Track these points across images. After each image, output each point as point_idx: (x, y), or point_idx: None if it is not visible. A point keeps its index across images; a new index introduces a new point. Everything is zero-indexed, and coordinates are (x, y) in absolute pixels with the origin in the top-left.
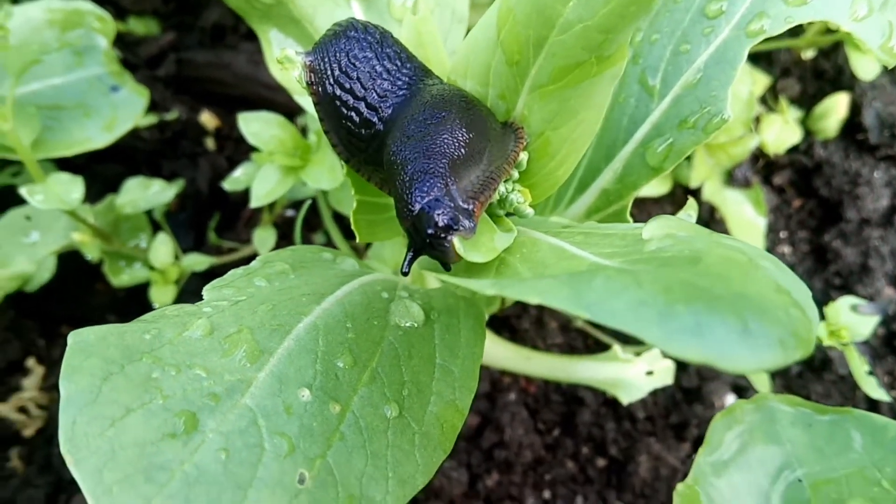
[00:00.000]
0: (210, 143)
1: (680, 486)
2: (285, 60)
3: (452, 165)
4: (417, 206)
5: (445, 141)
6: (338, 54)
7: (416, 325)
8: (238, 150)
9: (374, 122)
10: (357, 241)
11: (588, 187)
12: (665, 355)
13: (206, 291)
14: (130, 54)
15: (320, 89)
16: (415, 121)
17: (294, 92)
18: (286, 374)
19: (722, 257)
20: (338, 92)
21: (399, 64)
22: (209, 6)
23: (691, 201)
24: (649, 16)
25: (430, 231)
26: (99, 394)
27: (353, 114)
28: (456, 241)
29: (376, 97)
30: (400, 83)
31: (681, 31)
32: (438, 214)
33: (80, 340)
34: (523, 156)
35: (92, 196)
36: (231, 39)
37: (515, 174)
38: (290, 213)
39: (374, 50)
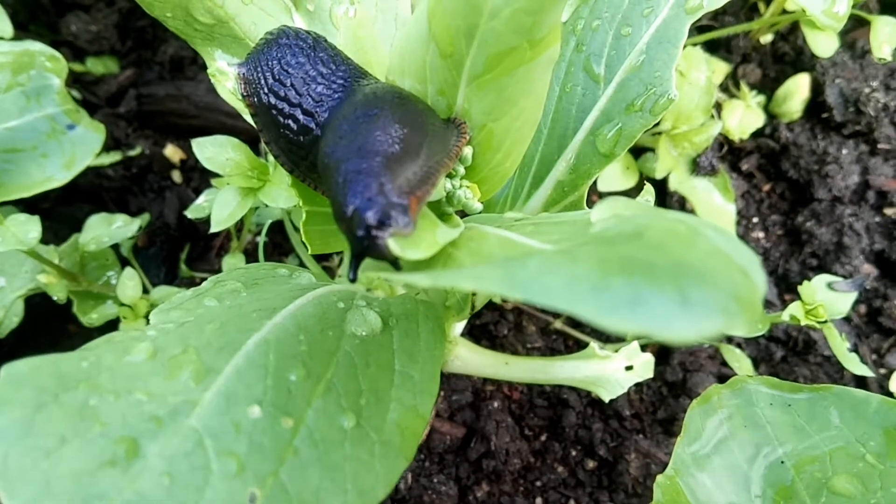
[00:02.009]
0: (177, 176)
1: (660, 478)
2: (218, 73)
3: (387, 163)
4: (351, 208)
5: (378, 138)
6: (270, 62)
7: (373, 332)
8: (204, 180)
9: (312, 127)
10: (309, 252)
11: (543, 180)
12: (643, 348)
13: (153, 315)
14: (90, 94)
15: (255, 99)
16: (347, 120)
17: (242, 111)
18: (234, 391)
19: (663, 229)
20: (273, 100)
21: (334, 67)
22: (166, 40)
23: (648, 187)
24: (589, 3)
25: (360, 233)
26: (32, 425)
27: (290, 121)
28: (390, 239)
29: (312, 102)
30: (335, 86)
31: (621, 14)
32: (370, 214)
33: (12, 372)
34: (467, 150)
35: (61, 237)
36: (190, 70)
37: (461, 169)
38: (260, 238)
39: (307, 55)
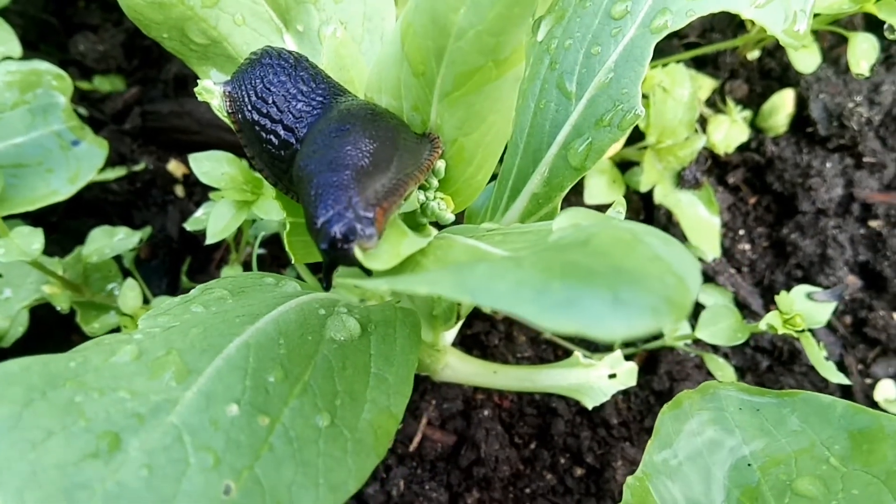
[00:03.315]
0: (179, 191)
1: (630, 479)
2: (204, 91)
3: (356, 175)
4: (321, 220)
5: (349, 153)
6: (253, 81)
7: (352, 337)
8: (206, 195)
9: (293, 142)
10: (293, 262)
11: (520, 193)
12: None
13: (142, 320)
14: (96, 111)
15: (240, 116)
16: (321, 134)
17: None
18: (214, 391)
19: (610, 237)
20: (255, 117)
21: (314, 85)
22: (171, 59)
23: (619, 199)
24: (562, 23)
25: (325, 245)
26: (20, 419)
27: (272, 136)
28: (356, 249)
29: (292, 118)
30: (315, 103)
31: (591, 34)
32: (336, 227)
33: (5, 371)
34: (440, 163)
35: (67, 250)
36: (193, 88)
37: (435, 182)
38: (261, 251)
39: (289, 73)
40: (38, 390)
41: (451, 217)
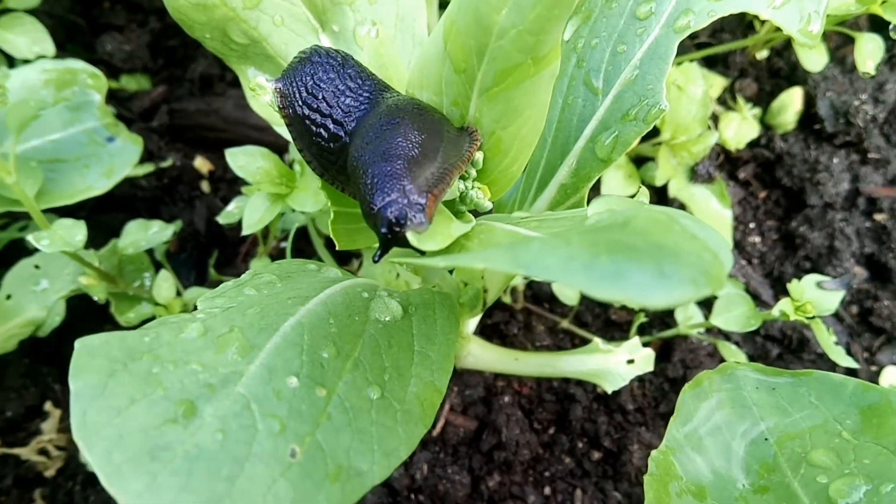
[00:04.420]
0: (205, 186)
1: (654, 453)
2: (257, 87)
3: (408, 165)
4: (376, 207)
5: (400, 144)
6: (304, 78)
7: (394, 318)
8: (232, 190)
9: (341, 135)
10: (337, 248)
11: (548, 184)
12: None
13: (200, 302)
14: (125, 109)
15: (290, 111)
16: (372, 128)
17: (274, 123)
18: (275, 365)
19: (647, 219)
20: (306, 112)
21: (360, 82)
22: (196, 58)
23: (643, 189)
24: (589, 23)
25: (383, 230)
26: (105, 388)
27: (321, 130)
28: (409, 233)
29: (341, 113)
30: (362, 98)
31: (617, 33)
32: (391, 212)
33: (86, 344)
34: (479, 155)
35: (97, 244)
36: (218, 87)
37: (473, 172)
38: (284, 244)
39: (337, 71)
40: (120, 362)
41: (489, 205)
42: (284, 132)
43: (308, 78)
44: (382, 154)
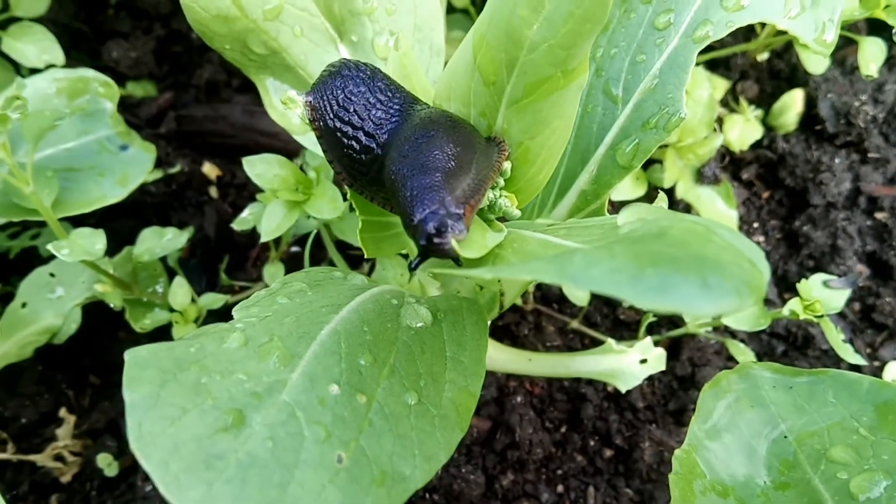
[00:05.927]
0: (214, 192)
1: (678, 452)
2: (288, 101)
3: (446, 177)
4: (417, 218)
5: (437, 156)
6: (335, 91)
7: (425, 325)
8: (240, 196)
9: (373, 147)
10: (364, 256)
11: (568, 191)
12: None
13: (236, 311)
14: (132, 116)
15: (321, 124)
16: (408, 141)
17: (293, 132)
18: (316, 373)
19: (683, 229)
20: (338, 125)
21: (390, 94)
22: (201, 64)
23: (662, 195)
24: (607, 33)
25: (423, 241)
26: (158, 398)
27: (353, 142)
28: (452, 241)
29: (373, 125)
30: (392, 111)
31: (636, 43)
32: (432, 224)
33: (136, 356)
34: (507, 164)
35: (109, 251)
36: (225, 93)
37: (501, 181)
38: (294, 249)
39: (367, 84)
40: (170, 373)
41: (517, 213)
42: (298, 139)
43: (339, 91)
44: (420, 167)
